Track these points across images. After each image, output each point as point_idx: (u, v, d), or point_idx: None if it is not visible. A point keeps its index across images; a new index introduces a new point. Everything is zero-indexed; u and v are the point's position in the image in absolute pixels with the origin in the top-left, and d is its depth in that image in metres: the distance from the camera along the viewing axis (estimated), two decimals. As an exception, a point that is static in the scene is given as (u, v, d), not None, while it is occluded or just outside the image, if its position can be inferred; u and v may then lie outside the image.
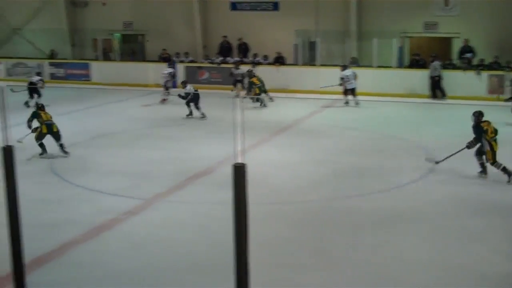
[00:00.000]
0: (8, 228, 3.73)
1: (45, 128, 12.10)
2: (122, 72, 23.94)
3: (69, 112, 16.84)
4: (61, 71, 25.66)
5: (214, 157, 11.90)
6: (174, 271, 6.84)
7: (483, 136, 10.22)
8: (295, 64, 22.63)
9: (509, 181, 10.09)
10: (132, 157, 12.29)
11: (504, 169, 10.17)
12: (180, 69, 23.05)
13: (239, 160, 3.95)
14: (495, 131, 10.29)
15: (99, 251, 7.48)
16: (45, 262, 7.05)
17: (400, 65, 21.50)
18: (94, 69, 25.09)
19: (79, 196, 9.75)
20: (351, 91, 18.61)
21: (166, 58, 23.90)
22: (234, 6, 24.53)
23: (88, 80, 24.77)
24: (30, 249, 4.56)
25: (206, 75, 23.21)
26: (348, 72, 18.68)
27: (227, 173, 4.56)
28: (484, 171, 10.47)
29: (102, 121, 16.37)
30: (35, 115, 12.40)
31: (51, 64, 25.87)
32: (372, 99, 18.82)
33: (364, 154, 12.46)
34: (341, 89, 18.84)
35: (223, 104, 16.13)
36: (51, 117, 12.36)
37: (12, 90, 17.15)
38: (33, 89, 18.11)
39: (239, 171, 3.91)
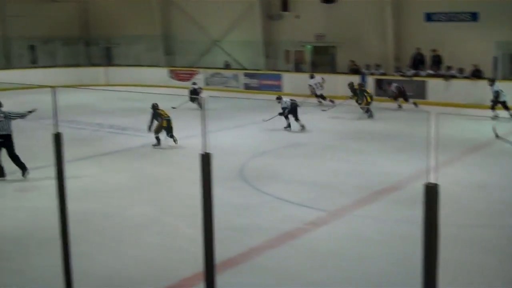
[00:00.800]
0: (203, 230, 3.92)
1: (165, 123, 14.39)
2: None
3: (260, 122, 17.44)
4: (254, 82, 26.78)
5: (401, 173, 11.61)
6: (357, 287, 6.75)
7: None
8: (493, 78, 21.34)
9: None
10: (318, 168, 12.42)
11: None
12: (370, 82, 22.86)
13: (431, 180, 3.76)
14: None
15: (284, 259, 7.61)
16: (234, 264, 7.33)
17: None
18: (285, 80, 25.83)
19: (267, 203, 10.05)
20: None
21: (355, 70, 23.85)
22: (429, 17, 23.76)
23: (279, 91, 25.49)
24: (219, 251, 4.79)
25: (393, 87, 22.61)
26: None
27: (414, 190, 4.39)
28: None
29: (289, 131, 16.74)
30: (155, 115, 14.57)
31: (246, 75, 27.10)
32: None
33: None
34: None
35: (410, 118, 15.68)
36: (167, 114, 14.62)
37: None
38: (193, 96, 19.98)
39: (431, 192, 3.72)
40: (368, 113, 18.85)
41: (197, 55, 29.98)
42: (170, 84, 28.66)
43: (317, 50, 27.23)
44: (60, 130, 4.69)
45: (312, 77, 22.32)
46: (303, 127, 16.63)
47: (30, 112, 11.87)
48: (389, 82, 21.94)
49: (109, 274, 7.12)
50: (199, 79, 28.10)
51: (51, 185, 9.55)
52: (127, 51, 31.12)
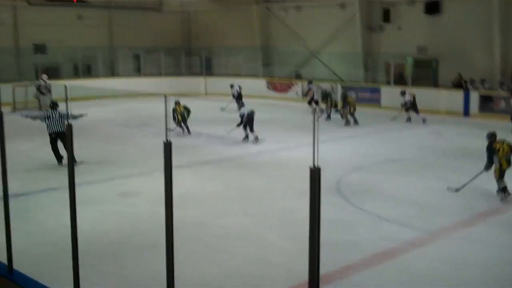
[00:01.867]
0: (309, 244, 3.85)
1: (180, 117, 17.89)
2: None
3: (356, 136, 17.21)
4: (352, 94, 26.41)
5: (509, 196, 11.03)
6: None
7: (495, 156, 10.79)
8: None
9: (501, 199, 10.72)
10: (419, 186, 12.02)
11: (503, 189, 10.77)
12: (474, 97, 22.01)
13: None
14: (510, 149, 10.75)
15: (380, 279, 7.41)
16: (329, 281, 7.19)
17: None
18: (384, 94, 25.32)
19: (364, 220, 9.84)
20: None
21: (459, 83, 23.05)
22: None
23: (377, 104, 25.07)
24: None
25: (502, 105, 21.63)
26: None
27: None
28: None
29: (389, 147, 16.41)
30: (175, 111, 17.90)
31: (343, 87, 26.84)
32: None
33: None
34: None
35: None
36: (183, 108, 17.97)
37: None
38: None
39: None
40: (345, 121, 19.92)
41: (295, 66, 30.05)
42: (268, 94, 28.86)
43: (418, 63, 26.52)
44: (161, 137, 4.80)
45: (403, 93, 21.14)
46: (256, 139, 16.64)
47: (81, 115, 13.38)
48: (404, 92, 20.92)
49: (204, 283, 7.20)
50: (297, 90, 28.17)
51: (153, 191, 9.83)
52: (226, 62, 31.69)
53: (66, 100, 5.82)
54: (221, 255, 8.21)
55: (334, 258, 7.86)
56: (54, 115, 13.41)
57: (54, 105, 13.76)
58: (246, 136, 16.90)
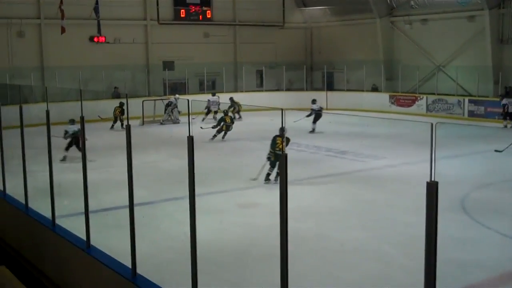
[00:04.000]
0: (425, 263, 3.71)
1: (225, 127, 19.84)
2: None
3: (484, 151, 16.43)
4: (481, 109, 25.32)
5: None
6: None
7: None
8: None
9: None
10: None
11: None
12: None
13: None
14: None
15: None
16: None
17: None
18: (515, 108, 23.98)
19: (490, 239, 9.35)
20: None
21: None
22: None
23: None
24: (437, 285, 4.51)
25: None
26: None
27: None
28: None
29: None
30: (222, 119, 20.08)
31: (471, 101, 25.78)
32: None
33: None
34: None
35: None
36: (230, 119, 20.15)
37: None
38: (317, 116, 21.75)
39: None
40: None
41: (419, 81, 29.26)
42: (391, 109, 28.31)
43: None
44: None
45: None
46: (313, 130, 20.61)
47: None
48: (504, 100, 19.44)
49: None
50: (422, 105, 27.42)
51: (271, 203, 9.92)
52: (348, 76, 31.46)
53: (188, 113, 6.03)
54: (340, 269, 8.12)
55: (457, 278, 7.53)
56: None
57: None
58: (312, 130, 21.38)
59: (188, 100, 6.31)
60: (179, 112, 24.77)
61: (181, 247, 8.21)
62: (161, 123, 24.66)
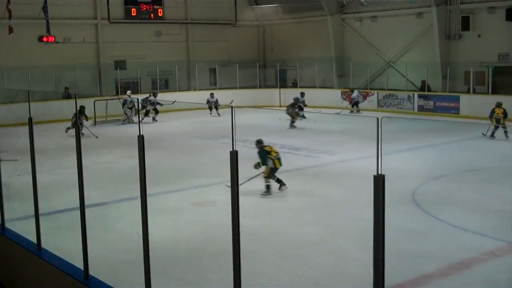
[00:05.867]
0: (374, 254, 3.78)
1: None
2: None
3: (434, 145, 16.80)
4: (430, 104, 25.88)
5: None
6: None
7: (268, 157, 11.67)
8: None
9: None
10: (500, 195, 11.55)
11: (267, 187, 11.72)
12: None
13: None
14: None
15: (457, 290, 7.18)
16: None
17: None
18: (463, 102, 24.62)
19: (440, 230, 9.57)
20: None
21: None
22: None
23: (457, 113, 24.41)
24: (389, 276, 4.59)
25: None
26: None
27: None
28: None
29: (469, 155, 15.91)
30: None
31: (420, 96, 26.30)
32: None
33: None
34: None
35: None
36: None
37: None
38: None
39: None
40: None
41: (370, 77, 29.67)
42: (342, 105, 28.63)
43: (499, 71, 25.61)
44: (236, 148, 4.84)
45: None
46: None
47: None
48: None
49: (277, 292, 7.19)
50: (373, 100, 27.85)
51: (227, 201, 9.92)
52: (300, 73, 31.65)
53: (138, 113, 5.96)
54: (295, 264, 8.17)
55: (408, 268, 7.68)
56: None
57: None
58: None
59: (137, 99, 6.24)
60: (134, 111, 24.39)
61: (135, 247, 8.12)
62: (122, 123, 24.17)
